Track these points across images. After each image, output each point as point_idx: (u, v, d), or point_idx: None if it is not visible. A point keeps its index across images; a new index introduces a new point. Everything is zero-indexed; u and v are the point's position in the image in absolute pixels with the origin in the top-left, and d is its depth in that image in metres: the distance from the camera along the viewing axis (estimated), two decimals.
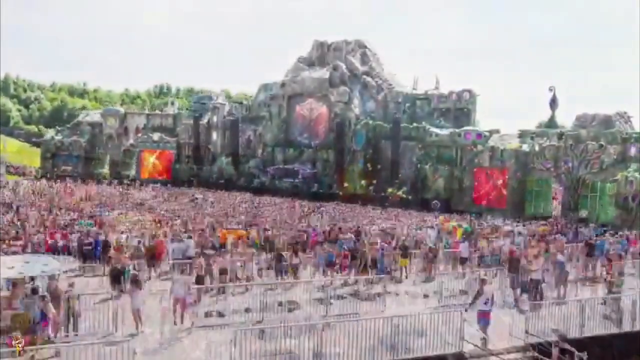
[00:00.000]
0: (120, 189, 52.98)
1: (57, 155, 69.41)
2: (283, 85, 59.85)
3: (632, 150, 36.13)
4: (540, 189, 43.83)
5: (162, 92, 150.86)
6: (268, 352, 9.79)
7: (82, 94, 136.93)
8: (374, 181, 50.70)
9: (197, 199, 44.14)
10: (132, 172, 68.27)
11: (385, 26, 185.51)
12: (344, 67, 56.79)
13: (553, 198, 44.93)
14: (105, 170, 71.18)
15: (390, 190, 48.11)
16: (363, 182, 51.09)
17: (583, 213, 38.25)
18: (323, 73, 57.25)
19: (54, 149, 69.66)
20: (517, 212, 40.91)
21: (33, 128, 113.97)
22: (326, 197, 48.92)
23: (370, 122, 53.85)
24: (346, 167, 53.32)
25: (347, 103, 55.00)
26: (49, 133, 72.75)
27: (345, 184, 51.54)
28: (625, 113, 41.70)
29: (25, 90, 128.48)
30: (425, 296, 15.24)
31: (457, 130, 48.49)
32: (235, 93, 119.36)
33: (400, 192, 47.68)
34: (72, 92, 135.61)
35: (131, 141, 69.03)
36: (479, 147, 45.56)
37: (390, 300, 14.41)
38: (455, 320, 10.92)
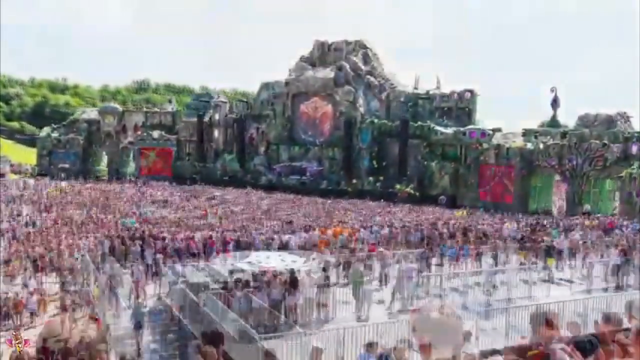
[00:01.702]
0: (121, 187, 53.04)
1: (53, 153, 68.87)
2: (287, 84, 60.87)
3: (634, 149, 38.73)
4: (543, 185, 46.34)
5: (141, 87, 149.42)
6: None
7: (63, 90, 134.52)
8: (381, 178, 52.35)
9: (215, 197, 44.86)
10: (131, 170, 68.34)
11: (385, 25, 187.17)
12: (348, 67, 58.19)
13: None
14: (103, 167, 71.04)
15: (398, 186, 49.84)
16: (371, 178, 52.70)
17: (587, 207, 40.85)
18: (327, 73, 58.45)
19: (51, 146, 69.11)
20: (521, 208, 43.18)
21: (15, 124, 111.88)
22: (335, 193, 50.40)
23: (376, 120, 55.45)
24: (353, 164, 54.84)
25: (353, 102, 56.48)
26: (45, 130, 71.90)
27: (354, 181, 53.05)
28: (625, 113, 44.46)
29: (5, 86, 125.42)
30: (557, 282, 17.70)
31: (461, 128, 50.41)
32: (211, 88, 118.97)
33: (408, 189, 49.48)
34: (52, 88, 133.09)
35: (130, 139, 68.97)
36: (484, 145, 47.63)
37: (546, 287, 16.69)
38: None
